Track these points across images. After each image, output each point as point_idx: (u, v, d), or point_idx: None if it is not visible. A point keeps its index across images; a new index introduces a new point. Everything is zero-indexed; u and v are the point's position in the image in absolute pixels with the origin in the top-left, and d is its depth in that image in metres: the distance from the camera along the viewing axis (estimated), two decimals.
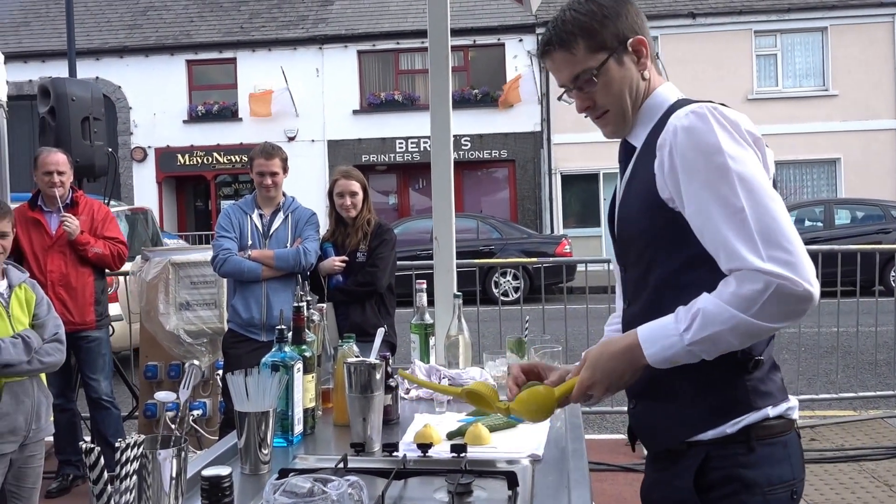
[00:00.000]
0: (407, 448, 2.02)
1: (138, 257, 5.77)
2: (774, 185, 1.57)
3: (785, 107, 19.47)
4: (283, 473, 1.82)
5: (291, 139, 20.64)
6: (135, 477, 1.42)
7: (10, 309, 3.32)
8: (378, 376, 2.12)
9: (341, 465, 1.87)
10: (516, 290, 13.29)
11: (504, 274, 13.58)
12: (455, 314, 3.00)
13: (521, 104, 19.89)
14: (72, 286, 4.83)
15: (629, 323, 1.72)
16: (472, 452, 1.99)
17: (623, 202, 1.74)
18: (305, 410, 2.26)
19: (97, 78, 20.96)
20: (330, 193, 4.45)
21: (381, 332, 2.41)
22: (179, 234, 19.60)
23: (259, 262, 4.34)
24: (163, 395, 1.61)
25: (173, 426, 5.37)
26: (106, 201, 5.74)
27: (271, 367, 2.15)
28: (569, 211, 20.47)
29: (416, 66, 20.68)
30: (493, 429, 2.20)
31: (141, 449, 1.44)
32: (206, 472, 1.10)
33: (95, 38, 21.75)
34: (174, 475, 1.52)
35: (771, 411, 1.59)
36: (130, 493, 1.38)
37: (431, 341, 2.98)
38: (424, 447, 1.97)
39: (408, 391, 2.71)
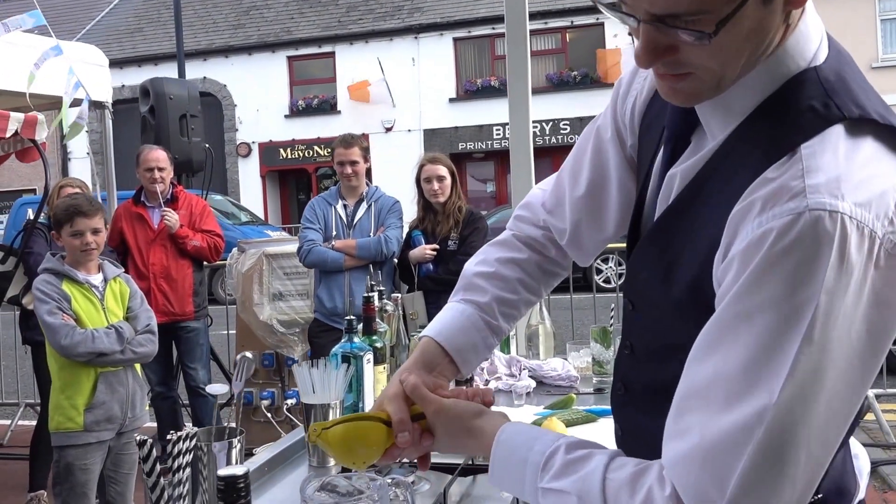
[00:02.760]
0: None
1: (235, 249, 5.92)
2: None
3: None
4: (346, 468, 1.79)
5: (389, 129, 20.86)
6: (188, 469, 1.41)
7: (105, 301, 3.43)
8: None
9: (406, 460, 1.83)
10: (621, 276, 12.98)
11: (606, 260, 13.29)
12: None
13: None
14: (172, 278, 4.99)
15: (624, 376, 1.25)
16: None
17: (659, 232, 1.10)
18: None
19: (204, 78, 21.77)
20: (417, 180, 4.42)
21: None
22: (283, 226, 20.12)
23: (342, 252, 4.36)
24: (215, 388, 1.60)
25: (269, 415, 5.50)
26: (204, 195, 5.89)
27: (340, 357, 2.13)
28: None
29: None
30: (569, 423, 2.11)
31: (193, 441, 1.43)
32: (222, 472, 1.08)
33: (202, 39, 22.55)
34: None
35: None
36: (183, 486, 1.38)
37: (512, 331, 2.90)
38: None
39: (486, 382, 2.65)
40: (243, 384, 1.65)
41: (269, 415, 5.46)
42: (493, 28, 20.43)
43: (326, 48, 21.71)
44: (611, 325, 2.72)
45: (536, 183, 3.60)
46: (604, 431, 2.07)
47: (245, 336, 5.75)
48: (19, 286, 4.65)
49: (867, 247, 0.84)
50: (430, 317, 4.13)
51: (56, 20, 24.85)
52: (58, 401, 3.37)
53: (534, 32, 19.91)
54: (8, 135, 4.41)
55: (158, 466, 1.38)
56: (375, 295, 2.39)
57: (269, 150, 22.00)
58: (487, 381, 2.64)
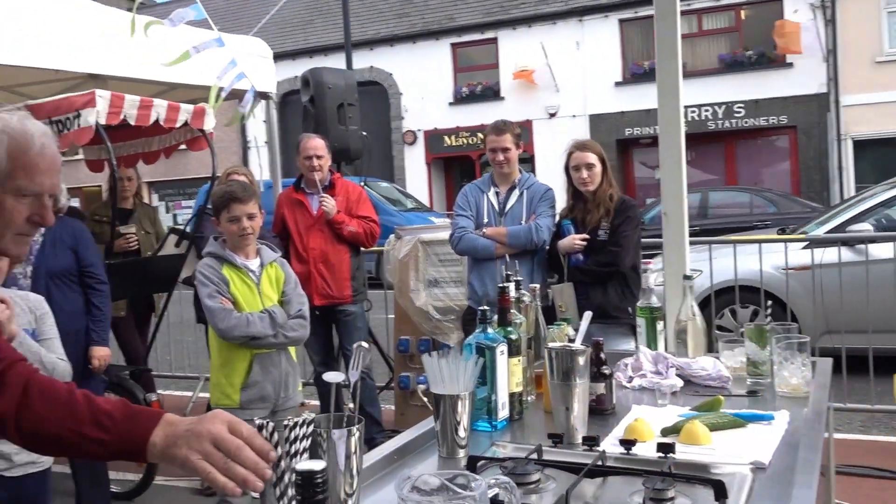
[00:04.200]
0: (610, 443, 1.87)
1: (392, 235, 6.04)
2: None
3: None
4: (472, 461, 1.77)
5: (553, 115, 20.64)
6: (306, 455, 1.43)
7: (261, 286, 3.56)
8: (581, 363, 1.98)
9: (534, 456, 1.78)
10: None
11: None
12: (686, 297, 2.75)
13: (803, 63, 18.13)
14: (330, 262, 5.14)
15: None
16: (683, 453, 1.79)
17: None
18: (511, 395, 2.19)
19: (371, 67, 22.42)
20: (566, 168, 4.30)
21: (588, 315, 2.27)
22: (447, 213, 20.43)
23: (493, 240, 4.32)
24: (332, 376, 1.62)
25: (425, 399, 5.59)
26: (362, 183, 6.04)
27: (475, 348, 2.10)
28: (863, 181, 18.39)
29: (682, 30, 19.65)
30: (714, 427, 1.97)
31: (310, 427, 1.45)
32: (300, 467, 1.07)
33: (369, 29, 23.21)
34: (348, 454, 1.52)
35: None
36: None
37: (659, 326, 2.76)
38: (628, 443, 1.80)
39: (630, 379, 2.54)
40: (359, 373, 1.65)
41: (425, 399, 5.55)
42: None
43: (489, 34, 21.74)
44: (767, 324, 2.53)
45: (688, 170, 3.41)
46: (752, 437, 1.94)
47: (402, 321, 5.88)
48: (192, 268, 4.96)
49: None
50: (581, 309, 4.07)
51: (234, 15, 26.39)
52: (217, 378, 3.56)
53: (705, 11, 19.06)
54: (178, 125, 4.69)
55: (279, 450, 1.41)
56: (511, 285, 2.35)
57: (433, 138, 22.36)
58: (631, 378, 2.53)
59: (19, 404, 1.46)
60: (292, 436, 1.42)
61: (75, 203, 20.05)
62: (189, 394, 6.90)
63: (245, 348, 3.48)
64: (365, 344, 1.72)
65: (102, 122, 4.21)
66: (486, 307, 2.13)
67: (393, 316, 6.15)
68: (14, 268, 3.15)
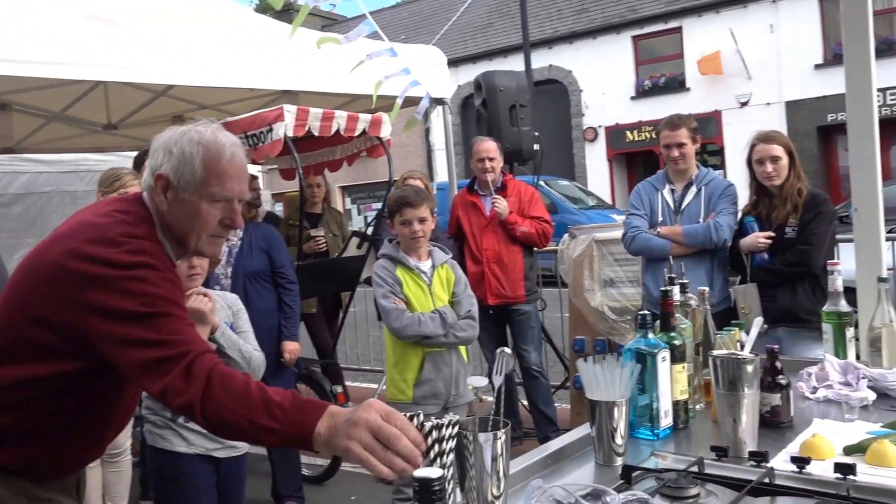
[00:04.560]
0: (781, 460, 1.73)
1: (566, 235, 5.97)
2: None
3: None
4: (627, 471, 1.70)
5: (744, 104, 19.59)
6: (450, 456, 1.44)
7: (432, 286, 3.65)
8: (749, 371, 1.85)
9: (694, 469, 1.68)
10: None
11: None
12: (881, 301, 2.51)
13: None
14: (504, 262, 5.18)
15: None
16: (866, 475, 1.62)
17: None
18: (676, 403, 2.08)
19: (550, 66, 22.29)
20: (748, 161, 4.05)
21: (758, 321, 2.11)
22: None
23: (668, 239, 4.15)
24: (476, 380, 1.62)
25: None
26: (534, 183, 6.01)
27: (634, 354, 2.02)
28: None
29: (881, 5, 17.92)
30: None
31: (455, 429, 1.46)
32: (417, 474, 1.06)
33: (548, 27, 23.09)
34: (495, 457, 1.51)
35: None
36: (448, 470, 1.42)
37: (849, 333, 2.52)
38: (801, 461, 1.66)
39: (814, 391, 2.34)
40: (503, 378, 1.63)
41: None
42: None
43: (673, 23, 20.94)
44: None
45: (874, 157, 3.07)
46: None
47: (577, 321, 5.79)
48: (371, 268, 5.17)
49: None
50: (765, 312, 3.82)
51: (417, 25, 27.18)
52: (391, 374, 3.69)
53: None
54: (357, 134, 4.90)
55: (437, 447, 1.43)
56: (676, 288, 2.24)
57: (615, 134, 21.90)
58: (815, 389, 2.34)
59: (204, 392, 1.59)
60: (437, 436, 1.44)
61: (279, 207, 21.46)
62: (374, 386, 7.18)
63: (417, 346, 3.58)
64: (508, 350, 1.70)
65: (290, 134, 4.48)
66: (646, 311, 2.04)
67: (568, 315, 6.08)
68: (216, 268, 3.46)
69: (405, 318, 3.51)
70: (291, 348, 4.43)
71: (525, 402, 5.51)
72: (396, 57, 4.53)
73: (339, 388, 5.01)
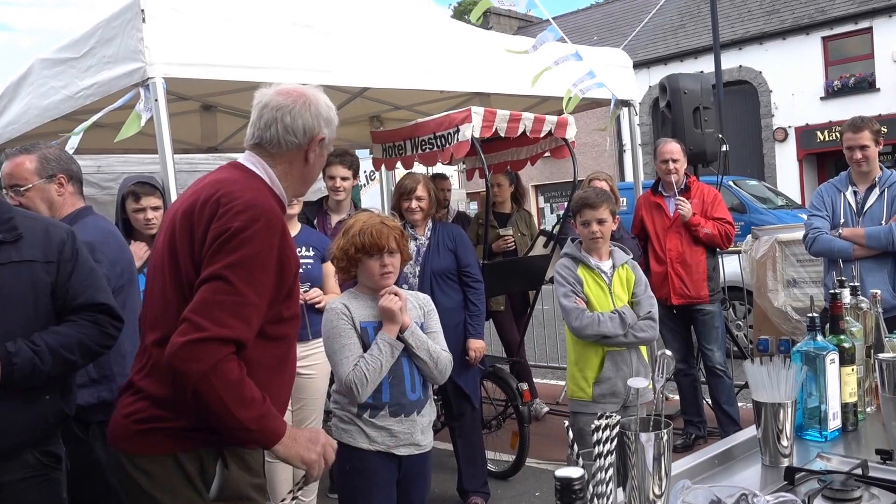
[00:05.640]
0: None
1: (749, 236, 5.70)
2: None
3: None
4: (790, 472, 1.64)
5: None
6: (611, 457, 1.43)
7: (612, 286, 3.56)
8: None
9: (858, 472, 1.60)
10: None
11: None
12: None
13: None
14: (687, 263, 5.00)
15: None
16: None
17: None
18: (845, 405, 1.98)
19: (740, 66, 21.14)
20: None
21: None
22: None
23: (850, 241, 3.87)
24: (636, 381, 1.60)
25: None
26: (718, 184, 5.77)
27: (802, 356, 1.94)
28: None
29: None
30: None
31: (616, 430, 1.45)
32: (559, 473, 1.06)
33: (738, 28, 21.89)
34: (657, 456, 1.49)
35: None
36: (605, 472, 1.41)
37: None
38: None
39: None
40: (664, 380, 1.61)
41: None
42: None
43: (863, 24, 19.22)
44: None
45: None
46: None
47: (762, 322, 5.54)
48: (555, 268, 5.15)
49: None
50: None
51: (611, 27, 26.62)
52: (572, 372, 3.61)
53: None
54: (542, 135, 4.86)
55: (576, 448, 1.43)
56: (846, 291, 2.12)
57: (805, 134, 20.41)
58: None
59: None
60: (599, 437, 1.43)
61: (474, 206, 21.84)
62: (562, 383, 7.08)
63: (597, 345, 3.49)
64: (669, 352, 1.67)
65: (477, 135, 4.41)
66: (814, 314, 1.95)
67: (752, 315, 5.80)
68: (405, 267, 3.44)
69: (585, 317, 3.44)
70: (476, 346, 4.26)
71: (709, 401, 5.29)
72: (582, 61, 4.47)
73: (524, 386, 4.84)
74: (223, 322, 1.79)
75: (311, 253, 3.97)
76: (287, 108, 2.02)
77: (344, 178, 4.59)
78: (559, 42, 4.56)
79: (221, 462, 1.95)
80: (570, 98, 4.74)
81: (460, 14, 38.67)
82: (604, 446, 1.41)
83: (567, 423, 1.71)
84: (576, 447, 1.38)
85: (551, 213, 25.78)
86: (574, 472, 1.14)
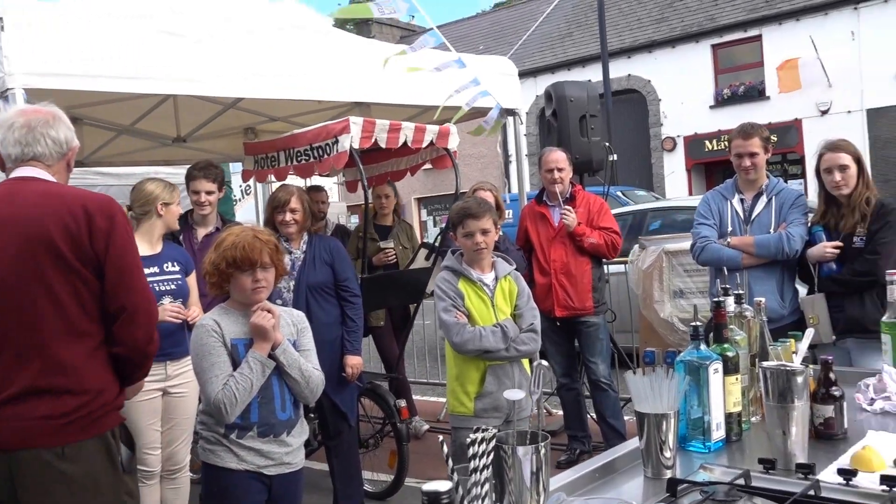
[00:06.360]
0: (830, 472, 1.70)
1: (636, 246, 5.92)
2: None
3: None
4: (672, 484, 1.69)
5: (824, 112, 18.97)
6: (487, 471, 1.44)
7: (494, 299, 3.59)
8: (800, 383, 1.82)
9: (740, 482, 1.66)
10: None
11: None
12: None
13: None
14: (571, 274, 5.12)
15: None
16: None
17: None
18: (729, 415, 2.06)
19: (629, 75, 22.04)
20: (817, 170, 3.95)
21: (809, 332, 2.08)
22: None
23: (739, 250, 4.07)
24: (513, 394, 1.62)
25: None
26: (605, 194, 5.96)
27: (686, 366, 2.01)
28: None
29: None
30: None
31: (492, 443, 1.45)
32: (425, 487, 1.07)
33: (627, 36, 22.83)
34: (534, 471, 1.51)
35: None
36: (481, 487, 1.41)
37: None
38: (848, 473, 1.63)
39: (871, 402, 2.28)
40: (540, 391, 1.64)
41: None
42: None
43: (752, 31, 20.45)
44: None
45: None
46: None
47: (648, 333, 5.74)
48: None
49: None
50: (834, 323, 3.71)
51: (498, 35, 27.21)
52: (453, 387, 3.64)
53: None
54: (424, 145, 4.91)
55: (451, 463, 1.43)
56: (730, 299, 2.21)
57: (694, 143, 21.47)
58: (873, 401, 2.28)
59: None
60: (474, 451, 1.44)
61: (354, 220, 21.75)
62: (443, 400, 7.17)
63: (479, 360, 3.53)
64: (545, 363, 1.70)
65: (356, 146, 4.47)
66: (698, 322, 2.03)
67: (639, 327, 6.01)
68: (279, 282, 3.45)
69: (466, 332, 3.46)
70: (354, 363, 4.35)
71: (594, 415, 5.43)
72: (465, 68, 4.55)
73: (403, 403, 4.92)
74: None
75: (178, 268, 4.00)
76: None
77: (209, 192, 4.63)
78: (441, 48, 4.62)
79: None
80: (448, 109, 4.81)
81: (341, 22, 38.63)
82: (480, 460, 1.41)
83: (441, 437, 1.71)
84: (450, 462, 1.37)
85: (434, 226, 26.00)
86: (441, 485, 1.13)
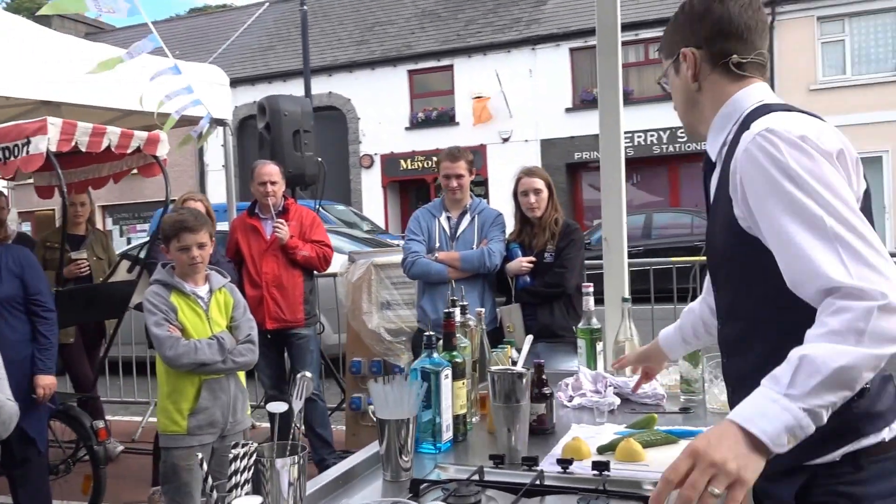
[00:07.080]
0: (549, 462, 1.90)
1: (345, 258, 6.04)
2: (867, 198, 1.48)
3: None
4: (415, 484, 1.78)
5: (506, 140, 20.86)
6: (247, 486, 1.42)
7: (209, 312, 3.50)
8: (524, 384, 2.01)
9: (476, 478, 1.80)
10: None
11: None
12: (624, 318, 2.81)
13: None
14: (283, 286, 5.11)
15: (723, 343, 1.72)
16: (618, 470, 1.83)
17: (710, 224, 1.68)
18: (456, 417, 2.21)
19: (330, 92, 22.44)
20: (514, 193, 4.38)
21: (529, 339, 2.30)
22: (403, 235, 20.41)
23: (445, 264, 4.36)
24: (275, 406, 1.64)
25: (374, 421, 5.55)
26: (316, 208, 6.03)
27: (420, 373, 2.12)
28: None
29: (630, 59, 19.96)
30: (647, 444, 2.02)
31: (253, 458, 1.44)
32: (236, 502, 1.06)
33: (328, 55, 23.24)
34: (292, 481, 1.52)
35: (887, 434, 1.47)
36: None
37: (598, 347, 2.81)
38: (565, 462, 1.84)
39: (571, 399, 2.58)
40: (302, 402, 1.65)
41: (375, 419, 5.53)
42: None
43: (445, 61, 21.95)
44: None
45: (633, 192, 3.47)
46: None
47: (355, 344, 5.86)
48: (143, 294, 4.90)
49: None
50: (528, 329, 4.12)
51: (194, 42, 26.22)
52: (164, 405, 3.47)
53: (651, 41, 19.47)
54: (130, 151, 4.64)
55: (210, 480, 1.40)
56: (457, 310, 2.38)
57: (390, 162, 22.43)
58: (572, 398, 2.58)
59: None
60: (234, 467, 1.41)
61: (26, 227, 19.62)
62: (139, 419, 6.80)
63: (193, 374, 3.42)
64: (309, 374, 1.72)
65: (53, 148, 4.13)
66: (431, 332, 2.15)
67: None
68: None
69: (180, 345, 3.33)
70: (45, 383, 4.01)
71: (301, 427, 5.44)
72: (180, 75, 4.37)
73: (100, 424, 4.65)
74: None
75: None
76: None
77: None
78: (158, 53, 4.40)
79: None
80: (160, 115, 4.60)
81: (15, 10, 34.75)
82: (241, 476, 1.39)
83: (200, 455, 1.65)
84: (210, 479, 1.33)
85: (121, 236, 24.36)
86: (252, 500, 1.11)
